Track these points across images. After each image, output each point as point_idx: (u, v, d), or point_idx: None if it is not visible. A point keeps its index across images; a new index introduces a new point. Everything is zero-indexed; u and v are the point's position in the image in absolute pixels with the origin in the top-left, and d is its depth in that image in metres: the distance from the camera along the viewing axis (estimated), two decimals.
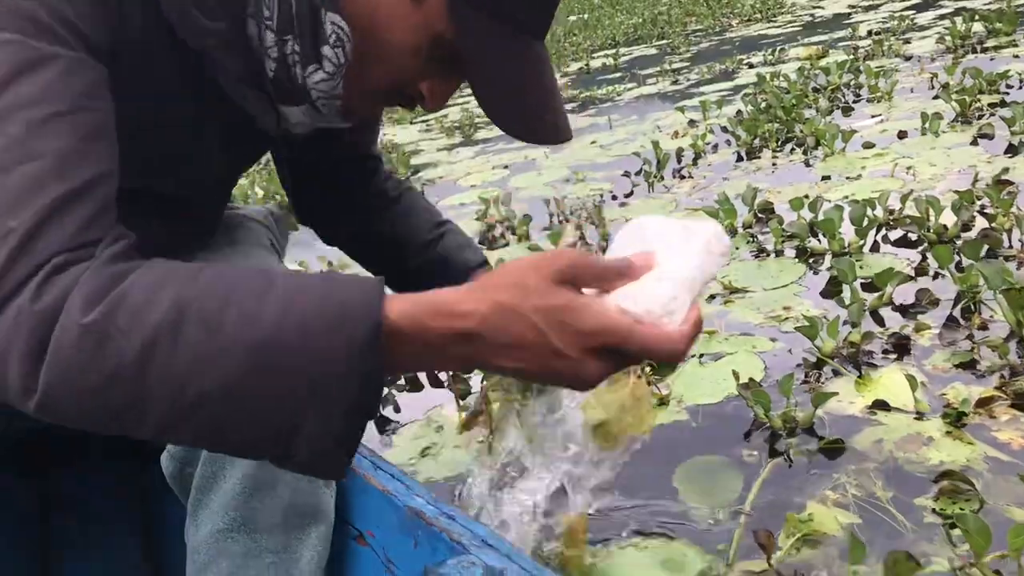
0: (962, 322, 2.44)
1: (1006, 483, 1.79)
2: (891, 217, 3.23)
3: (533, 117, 1.10)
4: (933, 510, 1.76)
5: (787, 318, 2.68)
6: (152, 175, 1.19)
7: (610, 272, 0.88)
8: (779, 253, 3.19)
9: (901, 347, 2.39)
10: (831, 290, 2.82)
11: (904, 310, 2.60)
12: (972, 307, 2.48)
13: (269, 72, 1.12)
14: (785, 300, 2.82)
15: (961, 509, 1.70)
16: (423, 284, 0.97)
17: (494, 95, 1.07)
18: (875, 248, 3.09)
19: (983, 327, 2.37)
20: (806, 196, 3.47)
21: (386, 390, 2.64)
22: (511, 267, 0.87)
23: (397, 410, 2.57)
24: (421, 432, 2.42)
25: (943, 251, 2.63)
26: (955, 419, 2.00)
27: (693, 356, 2.48)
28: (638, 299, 0.87)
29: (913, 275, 2.77)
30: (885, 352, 2.39)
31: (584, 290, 0.87)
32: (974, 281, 2.50)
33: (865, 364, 2.36)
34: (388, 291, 0.85)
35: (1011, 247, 2.82)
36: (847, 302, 2.53)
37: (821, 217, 3.15)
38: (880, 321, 2.57)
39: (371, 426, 2.47)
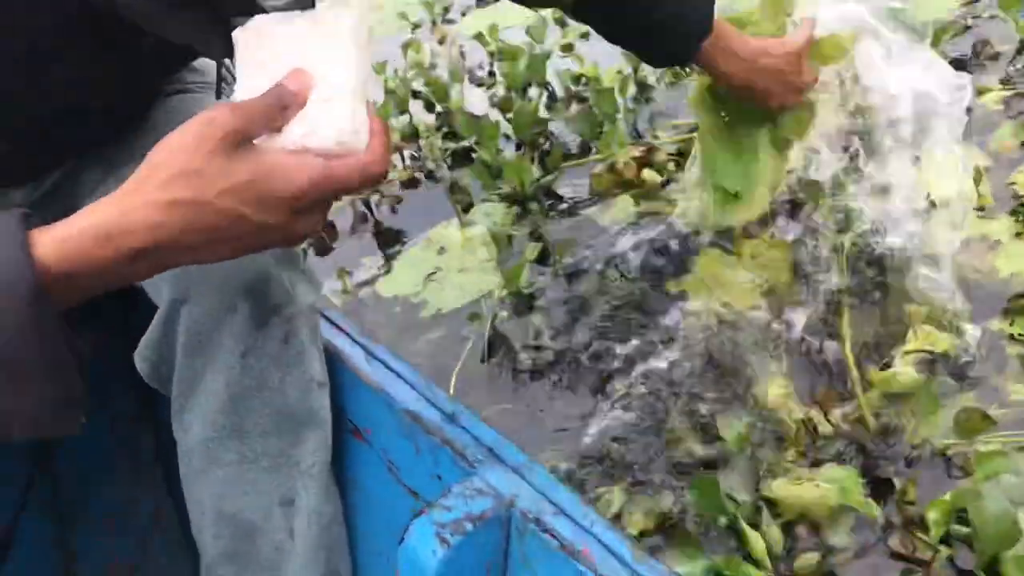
0: None
1: None
2: None
3: None
4: (1011, 335, 1.62)
5: None
6: None
7: (273, 110, 0.80)
8: None
9: None
10: None
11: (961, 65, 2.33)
12: None
13: None
14: None
15: None
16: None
17: None
18: None
19: None
20: None
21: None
22: (169, 153, 0.77)
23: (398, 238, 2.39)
24: (423, 256, 2.26)
25: None
26: None
27: None
28: (318, 130, 0.81)
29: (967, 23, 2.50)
30: None
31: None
32: None
33: None
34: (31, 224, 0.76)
35: None
36: None
37: None
38: None
39: (373, 252, 2.32)
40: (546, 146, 2.47)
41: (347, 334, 1.29)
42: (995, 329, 1.64)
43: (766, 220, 1.87)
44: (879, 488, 1.44)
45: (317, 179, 0.79)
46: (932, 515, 1.35)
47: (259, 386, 1.12)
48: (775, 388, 1.61)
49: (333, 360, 1.25)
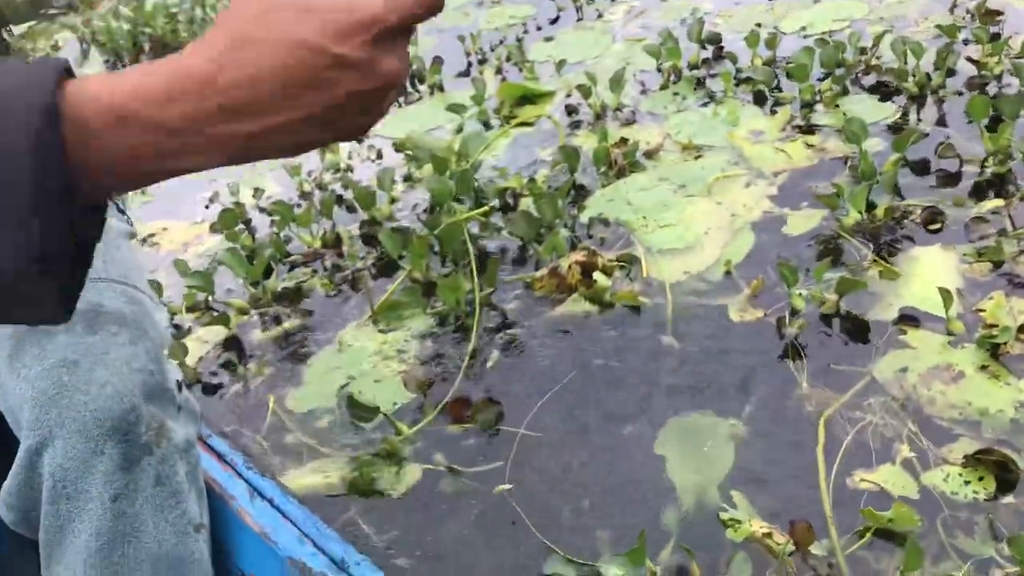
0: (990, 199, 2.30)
1: None
2: (862, 57, 3.12)
3: None
4: (965, 480, 1.64)
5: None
6: None
7: None
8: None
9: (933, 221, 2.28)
10: None
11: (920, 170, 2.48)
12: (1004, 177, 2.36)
13: None
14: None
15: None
16: None
17: None
18: (843, 93, 2.97)
19: (1016, 208, 2.24)
20: (758, 24, 3.41)
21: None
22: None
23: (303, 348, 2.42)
24: (334, 361, 2.29)
25: (979, 103, 2.46)
26: (992, 349, 1.86)
27: None
28: None
29: (927, 133, 2.63)
30: (907, 237, 2.26)
31: None
32: (1005, 143, 2.36)
33: (888, 245, 2.24)
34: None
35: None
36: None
37: (784, 55, 3.11)
38: (896, 191, 2.43)
39: (279, 368, 2.32)
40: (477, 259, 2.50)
41: (233, 468, 1.28)
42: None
43: None
44: None
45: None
46: None
47: (132, 532, 1.11)
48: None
49: (215, 498, 1.23)
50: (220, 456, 1.29)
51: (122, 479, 1.09)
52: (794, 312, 2.05)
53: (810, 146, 2.71)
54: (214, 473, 1.26)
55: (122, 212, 1.42)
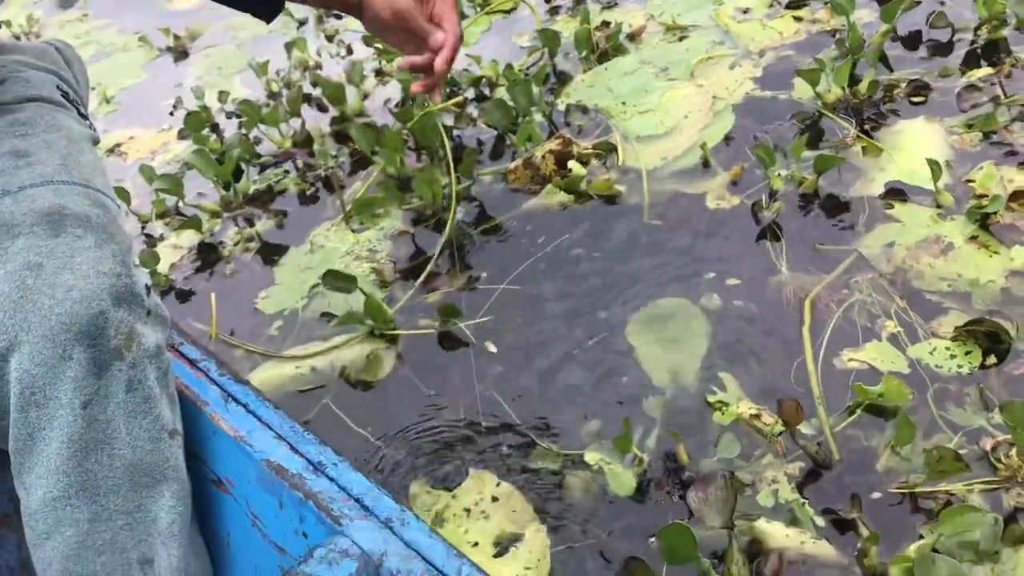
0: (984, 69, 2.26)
1: None
2: None
3: None
4: (953, 353, 1.64)
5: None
6: None
7: None
8: None
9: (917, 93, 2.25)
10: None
11: (912, 43, 2.43)
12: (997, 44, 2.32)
13: None
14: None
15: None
16: None
17: None
18: None
19: (1008, 75, 2.20)
20: None
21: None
22: None
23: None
24: (304, 261, 2.29)
25: None
26: (981, 220, 1.85)
27: None
28: None
29: (919, 0, 2.57)
30: (893, 112, 2.22)
31: None
32: (999, 9, 2.31)
33: (872, 120, 2.21)
34: None
35: None
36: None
37: None
38: (886, 64, 2.39)
39: (252, 271, 2.33)
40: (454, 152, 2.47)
41: (205, 374, 1.27)
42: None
43: None
44: (843, 527, 1.44)
45: None
46: (895, 571, 1.34)
47: (105, 439, 1.10)
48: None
49: (188, 405, 1.23)
50: (192, 363, 1.28)
51: (92, 385, 1.07)
52: (773, 194, 2.04)
53: (798, 20, 2.66)
54: (187, 380, 1.25)
55: (84, 118, 1.39)
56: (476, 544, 1.55)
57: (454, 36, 1.54)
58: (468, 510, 1.61)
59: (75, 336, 1.06)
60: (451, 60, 1.54)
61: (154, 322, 1.17)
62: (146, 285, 1.18)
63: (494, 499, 1.62)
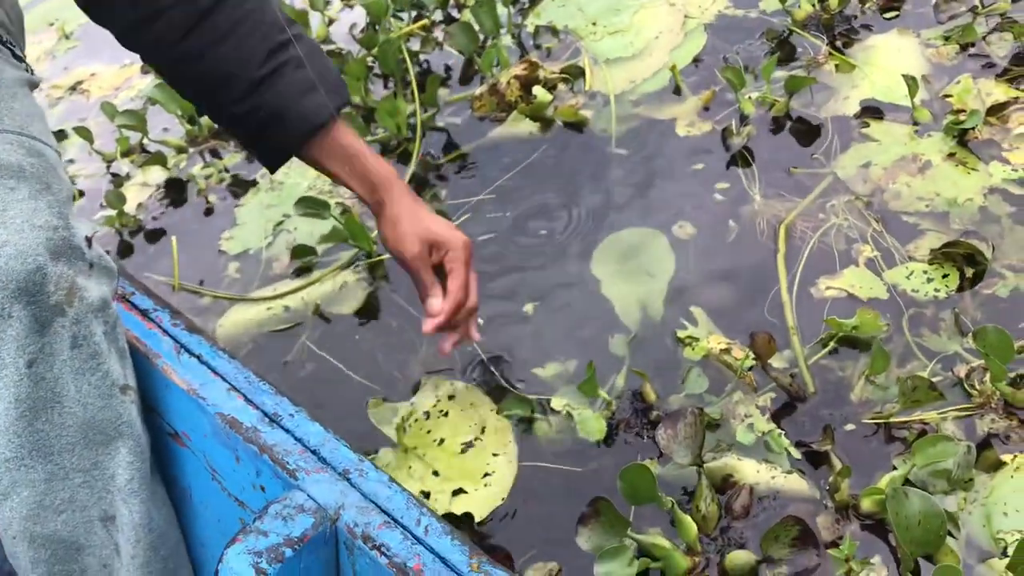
0: None
1: (1014, 233, 1.66)
2: None
3: None
4: (929, 277, 1.64)
5: None
6: None
7: None
8: None
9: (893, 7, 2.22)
10: None
11: None
12: None
13: None
14: None
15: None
16: (252, 138, 1.44)
17: None
18: None
19: None
20: None
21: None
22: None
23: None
24: (267, 199, 2.27)
25: None
26: (959, 136, 1.83)
27: None
28: None
29: None
30: (865, 26, 2.20)
31: None
32: None
33: (843, 36, 2.18)
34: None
35: None
36: None
37: None
38: None
39: (218, 208, 2.32)
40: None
41: (158, 325, 1.25)
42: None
43: None
44: (815, 460, 1.44)
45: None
46: (866, 504, 1.34)
47: (54, 398, 1.09)
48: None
49: (141, 359, 1.21)
50: (144, 313, 1.26)
51: (35, 343, 1.05)
52: (744, 118, 2.01)
53: None
54: (138, 332, 1.23)
55: (20, 60, 1.35)
56: (442, 441, 1.58)
57: (453, 302, 1.48)
58: (427, 413, 1.63)
59: (12, 294, 1.03)
60: (438, 327, 1.48)
61: (98, 274, 1.15)
62: (87, 237, 1.15)
63: (451, 397, 1.64)
